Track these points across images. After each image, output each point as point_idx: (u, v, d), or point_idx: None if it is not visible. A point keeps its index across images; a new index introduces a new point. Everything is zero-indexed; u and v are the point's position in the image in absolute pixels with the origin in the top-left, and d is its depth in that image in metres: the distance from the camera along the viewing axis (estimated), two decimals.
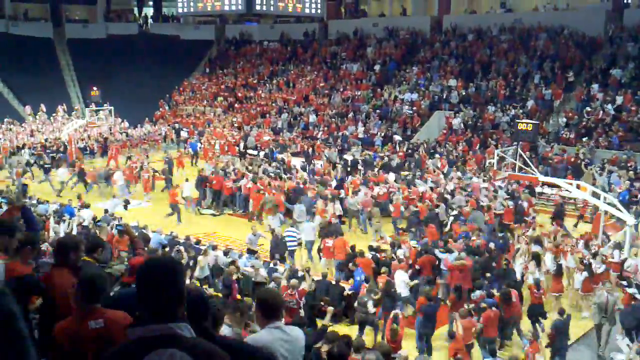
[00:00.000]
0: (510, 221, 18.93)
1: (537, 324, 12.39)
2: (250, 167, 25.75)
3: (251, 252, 15.64)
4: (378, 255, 15.15)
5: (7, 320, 0.86)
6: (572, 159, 24.97)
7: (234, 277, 13.45)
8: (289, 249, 16.82)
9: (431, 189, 21.67)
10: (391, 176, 23.92)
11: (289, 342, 3.71)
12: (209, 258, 14.87)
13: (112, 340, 3.40)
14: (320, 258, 16.82)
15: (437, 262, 14.75)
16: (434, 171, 24.95)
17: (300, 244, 17.46)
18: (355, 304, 12.96)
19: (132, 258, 7.42)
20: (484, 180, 22.84)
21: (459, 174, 23.92)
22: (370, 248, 15.63)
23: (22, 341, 0.96)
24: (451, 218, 18.73)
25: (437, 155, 27.28)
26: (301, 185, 22.32)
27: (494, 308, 11.82)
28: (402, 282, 13.68)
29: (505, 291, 12.38)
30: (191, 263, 14.83)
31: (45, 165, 26.98)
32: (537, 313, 12.78)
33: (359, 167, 26.39)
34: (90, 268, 4.78)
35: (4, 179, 25.42)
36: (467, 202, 19.44)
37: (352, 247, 15.69)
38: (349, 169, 26.26)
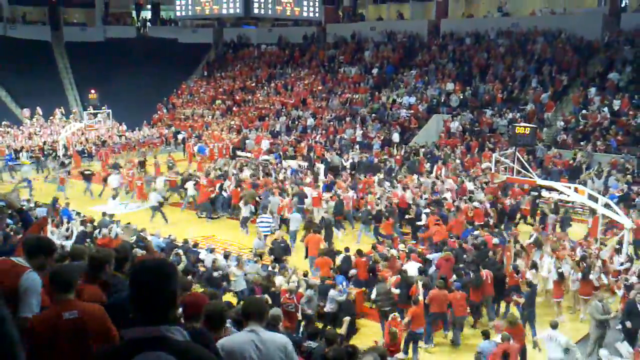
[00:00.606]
0: (480, 222, 19.13)
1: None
2: (235, 171, 25.95)
3: (258, 256, 15.64)
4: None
5: None
6: (570, 162, 25.11)
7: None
8: (262, 233, 17.79)
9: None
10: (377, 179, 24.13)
11: (261, 345, 3.71)
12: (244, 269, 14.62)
13: (86, 330, 3.44)
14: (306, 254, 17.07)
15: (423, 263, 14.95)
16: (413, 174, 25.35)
17: (272, 232, 18.47)
18: (374, 296, 13.20)
19: None
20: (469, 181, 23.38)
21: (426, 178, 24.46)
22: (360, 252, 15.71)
23: (13, 346, 0.98)
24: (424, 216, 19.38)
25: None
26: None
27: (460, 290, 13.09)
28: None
29: (476, 275, 13.53)
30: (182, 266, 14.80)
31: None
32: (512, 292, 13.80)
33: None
34: (122, 284, 4.75)
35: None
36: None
37: (346, 249, 15.77)
38: (350, 171, 26.49)
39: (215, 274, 14.50)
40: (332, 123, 34.23)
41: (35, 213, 17.59)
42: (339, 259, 15.25)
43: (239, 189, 22.51)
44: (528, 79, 32.12)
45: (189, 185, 23.52)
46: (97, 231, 16.68)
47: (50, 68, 43.84)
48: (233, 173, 25.32)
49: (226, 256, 15.54)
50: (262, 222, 18.81)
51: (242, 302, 4.17)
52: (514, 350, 10.34)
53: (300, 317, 12.53)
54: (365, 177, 24.67)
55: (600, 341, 12.14)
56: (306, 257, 16.87)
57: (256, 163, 28.79)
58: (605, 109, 27.94)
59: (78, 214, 19.05)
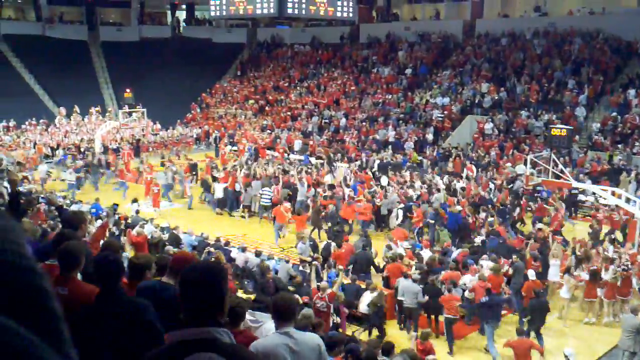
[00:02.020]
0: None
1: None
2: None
3: (304, 262, 15.59)
4: None
5: (39, 298, 0.85)
6: (604, 166, 24.67)
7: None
8: (262, 203, 20.85)
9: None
10: (384, 179, 23.86)
11: (295, 347, 3.68)
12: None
13: (74, 307, 3.41)
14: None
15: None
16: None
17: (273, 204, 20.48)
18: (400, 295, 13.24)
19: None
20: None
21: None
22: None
23: (56, 321, 0.96)
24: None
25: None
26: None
27: None
28: None
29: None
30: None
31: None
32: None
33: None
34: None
35: (39, 180, 25.72)
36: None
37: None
38: (377, 172, 26.25)
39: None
40: (364, 124, 34.08)
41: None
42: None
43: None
44: (564, 80, 31.60)
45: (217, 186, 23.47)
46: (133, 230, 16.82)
47: (86, 67, 44.49)
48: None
49: (257, 254, 15.53)
50: (264, 194, 21.12)
51: (272, 302, 4.13)
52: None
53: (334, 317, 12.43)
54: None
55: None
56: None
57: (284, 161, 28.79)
58: None
59: (115, 211, 19.20)
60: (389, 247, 15.96)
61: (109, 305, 3.32)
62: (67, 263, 3.98)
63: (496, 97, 32.26)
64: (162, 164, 27.42)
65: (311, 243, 16.55)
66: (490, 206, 20.00)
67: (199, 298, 2.44)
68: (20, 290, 0.95)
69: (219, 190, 23.09)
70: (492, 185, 22.91)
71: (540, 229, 17.36)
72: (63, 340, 1.00)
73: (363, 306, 13.13)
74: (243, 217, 22.59)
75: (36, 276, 0.99)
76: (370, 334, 12.59)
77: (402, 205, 20.32)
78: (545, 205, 20.37)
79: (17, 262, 0.96)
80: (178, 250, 13.45)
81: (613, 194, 18.92)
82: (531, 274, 13.89)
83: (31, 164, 29.12)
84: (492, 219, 18.74)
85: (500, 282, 13.63)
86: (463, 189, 22.24)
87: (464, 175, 25.16)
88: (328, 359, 3.88)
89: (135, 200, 20.75)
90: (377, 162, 27.77)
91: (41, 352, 0.90)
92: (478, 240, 17.26)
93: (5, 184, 22.50)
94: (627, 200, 18.38)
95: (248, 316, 5.55)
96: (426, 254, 15.49)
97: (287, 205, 20.31)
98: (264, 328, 5.55)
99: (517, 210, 20.61)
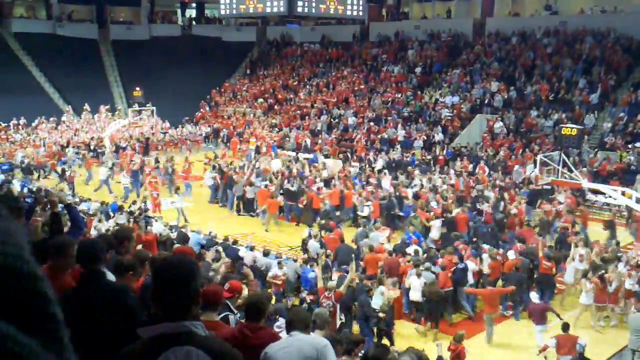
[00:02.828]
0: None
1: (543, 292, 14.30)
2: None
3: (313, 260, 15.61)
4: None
5: (40, 303, 0.84)
6: (617, 165, 24.53)
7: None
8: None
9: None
10: (385, 180, 23.81)
11: (300, 348, 3.79)
12: None
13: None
14: None
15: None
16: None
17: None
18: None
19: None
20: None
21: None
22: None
23: (57, 326, 0.95)
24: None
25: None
26: None
27: None
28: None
29: None
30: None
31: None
32: (544, 281, 14.72)
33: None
34: None
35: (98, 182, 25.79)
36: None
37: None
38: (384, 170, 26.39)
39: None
40: (373, 122, 34.02)
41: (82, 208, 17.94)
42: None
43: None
44: (575, 79, 31.43)
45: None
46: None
47: (96, 65, 44.63)
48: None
49: (266, 254, 15.52)
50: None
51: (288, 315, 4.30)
52: None
53: (340, 317, 12.40)
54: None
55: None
56: None
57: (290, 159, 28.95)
58: None
59: (121, 208, 19.24)
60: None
61: (89, 289, 3.35)
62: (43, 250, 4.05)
63: (506, 97, 32.13)
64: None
65: (319, 241, 16.53)
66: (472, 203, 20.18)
67: (174, 293, 2.45)
68: (20, 295, 0.94)
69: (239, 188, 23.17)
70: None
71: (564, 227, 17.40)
72: (63, 346, 0.99)
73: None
74: (252, 215, 22.60)
75: (37, 281, 0.98)
76: (379, 339, 12.44)
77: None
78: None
79: (18, 266, 0.95)
80: (179, 246, 13.54)
81: (623, 194, 18.82)
82: (511, 254, 14.90)
83: (43, 162, 29.23)
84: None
85: (498, 266, 14.73)
86: (452, 185, 22.83)
87: (451, 173, 25.38)
88: (333, 356, 3.93)
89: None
90: (381, 161, 27.86)
91: (39, 357, 0.89)
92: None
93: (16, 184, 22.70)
94: (638, 200, 18.28)
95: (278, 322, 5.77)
96: (411, 249, 15.83)
97: (280, 199, 21.39)
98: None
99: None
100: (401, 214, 20.37)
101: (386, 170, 26.26)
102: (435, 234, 18.26)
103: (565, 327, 11.43)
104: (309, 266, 14.94)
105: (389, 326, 12.52)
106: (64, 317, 0.94)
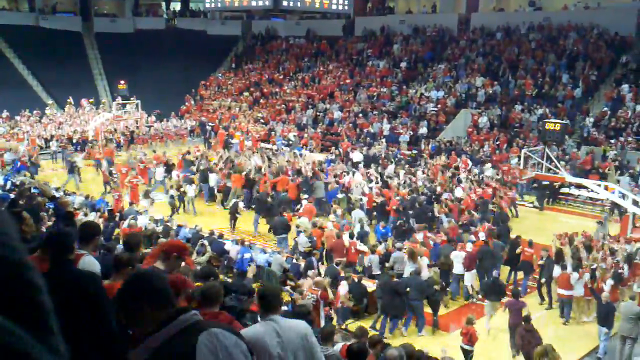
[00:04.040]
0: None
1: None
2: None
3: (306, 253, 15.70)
4: None
5: (29, 292, 0.84)
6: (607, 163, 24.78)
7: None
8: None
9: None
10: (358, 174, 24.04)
11: (280, 333, 3.78)
12: None
13: None
14: None
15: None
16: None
17: None
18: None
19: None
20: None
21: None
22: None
23: (46, 316, 0.95)
24: None
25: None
26: None
27: None
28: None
29: None
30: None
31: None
32: (526, 268, 15.66)
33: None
34: None
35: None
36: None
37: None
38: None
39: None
40: (359, 117, 34.08)
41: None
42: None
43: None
44: (559, 74, 31.66)
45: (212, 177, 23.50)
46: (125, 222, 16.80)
47: (80, 58, 44.25)
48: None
49: (250, 247, 15.60)
50: None
51: (257, 293, 4.29)
52: None
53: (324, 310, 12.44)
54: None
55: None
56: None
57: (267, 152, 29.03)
58: (639, 106, 27.46)
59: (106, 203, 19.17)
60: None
61: (56, 276, 3.37)
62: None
63: (491, 91, 32.30)
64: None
65: (310, 239, 16.50)
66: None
67: (164, 304, 2.45)
68: (9, 284, 0.95)
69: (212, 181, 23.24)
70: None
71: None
72: (53, 335, 1.00)
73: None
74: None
75: (26, 270, 0.98)
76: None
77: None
78: None
79: (7, 255, 0.96)
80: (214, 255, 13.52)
81: (606, 188, 19.01)
82: (482, 235, 15.93)
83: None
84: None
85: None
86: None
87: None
88: (317, 346, 3.94)
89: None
90: (358, 153, 28.01)
91: (31, 348, 0.90)
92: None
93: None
94: (623, 196, 18.49)
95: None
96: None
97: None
98: None
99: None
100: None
101: (362, 164, 26.55)
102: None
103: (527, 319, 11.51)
104: (294, 259, 15.02)
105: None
106: None
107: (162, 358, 2.38)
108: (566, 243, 15.90)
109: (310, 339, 3.88)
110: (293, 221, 17.96)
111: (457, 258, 14.89)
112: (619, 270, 14.20)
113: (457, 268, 14.88)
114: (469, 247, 15.09)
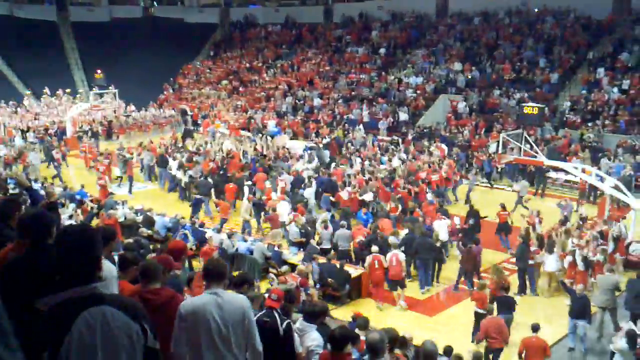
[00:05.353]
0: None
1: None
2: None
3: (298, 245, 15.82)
4: None
5: None
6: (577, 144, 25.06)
7: None
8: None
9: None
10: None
11: (221, 306, 3.89)
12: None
13: None
14: None
15: None
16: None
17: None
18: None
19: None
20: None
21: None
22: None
23: (1, 317, 0.97)
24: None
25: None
26: None
27: None
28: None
29: None
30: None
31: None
32: (505, 228, 17.38)
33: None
34: None
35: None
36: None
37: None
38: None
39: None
40: (338, 103, 34.07)
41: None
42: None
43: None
44: (536, 59, 31.85)
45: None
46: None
47: (56, 48, 43.71)
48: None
49: (229, 236, 15.57)
50: None
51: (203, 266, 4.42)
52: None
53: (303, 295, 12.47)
54: None
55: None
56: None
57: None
58: (615, 89, 27.72)
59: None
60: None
61: (35, 259, 3.40)
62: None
63: (469, 77, 32.42)
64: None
65: (303, 230, 16.44)
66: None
67: (79, 259, 2.66)
68: None
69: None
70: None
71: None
72: (6, 335, 1.00)
73: None
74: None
75: None
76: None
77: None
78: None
79: None
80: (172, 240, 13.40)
81: (584, 171, 19.20)
82: (443, 223, 16.54)
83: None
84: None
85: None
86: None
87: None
88: (254, 322, 4.07)
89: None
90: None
91: None
92: None
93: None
94: (602, 179, 18.70)
95: (297, 325, 6.10)
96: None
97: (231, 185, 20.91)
98: (309, 337, 5.95)
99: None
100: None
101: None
102: None
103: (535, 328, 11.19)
104: (276, 247, 15.05)
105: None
106: (10, 286, 0.94)
107: (49, 318, 2.59)
108: (535, 222, 16.49)
109: (249, 315, 3.98)
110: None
111: (442, 227, 16.07)
112: (604, 247, 14.46)
113: (442, 235, 15.81)
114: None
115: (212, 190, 20.70)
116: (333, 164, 24.42)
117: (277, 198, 19.11)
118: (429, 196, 19.36)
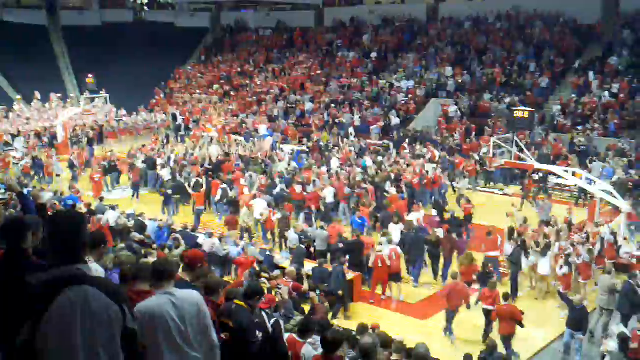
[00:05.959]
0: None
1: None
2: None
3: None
4: None
5: None
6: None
7: None
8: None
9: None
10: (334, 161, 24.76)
11: (177, 305, 3.86)
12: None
13: None
14: None
15: None
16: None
17: None
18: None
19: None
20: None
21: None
22: None
23: None
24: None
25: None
26: None
27: None
28: None
29: None
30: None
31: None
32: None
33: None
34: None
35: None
36: None
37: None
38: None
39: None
40: (330, 108, 34.09)
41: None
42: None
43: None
44: (526, 63, 32.01)
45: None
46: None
47: (47, 53, 43.53)
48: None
49: (220, 239, 15.58)
50: None
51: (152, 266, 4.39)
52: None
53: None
54: None
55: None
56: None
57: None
58: (606, 93, 27.89)
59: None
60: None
61: (12, 265, 3.57)
62: None
63: (460, 81, 32.55)
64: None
65: (302, 236, 16.41)
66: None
67: (67, 241, 2.94)
68: None
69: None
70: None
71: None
72: None
73: None
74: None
75: None
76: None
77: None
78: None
79: None
80: (188, 249, 13.37)
81: (574, 174, 19.30)
82: (414, 215, 17.35)
83: None
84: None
85: None
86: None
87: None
88: (208, 314, 4.02)
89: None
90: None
91: None
92: None
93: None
94: (592, 182, 18.79)
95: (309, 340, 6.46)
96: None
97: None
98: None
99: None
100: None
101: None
102: None
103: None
104: (269, 251, 15.05)
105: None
106: None
107: (33, 294, 2.78)
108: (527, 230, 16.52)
109: (202, 307, 3.95)
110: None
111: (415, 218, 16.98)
112: (590, 247, 14.54)
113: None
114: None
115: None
116: (305, 163, 24.78)
117: (249, 195, 19.70)
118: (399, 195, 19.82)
